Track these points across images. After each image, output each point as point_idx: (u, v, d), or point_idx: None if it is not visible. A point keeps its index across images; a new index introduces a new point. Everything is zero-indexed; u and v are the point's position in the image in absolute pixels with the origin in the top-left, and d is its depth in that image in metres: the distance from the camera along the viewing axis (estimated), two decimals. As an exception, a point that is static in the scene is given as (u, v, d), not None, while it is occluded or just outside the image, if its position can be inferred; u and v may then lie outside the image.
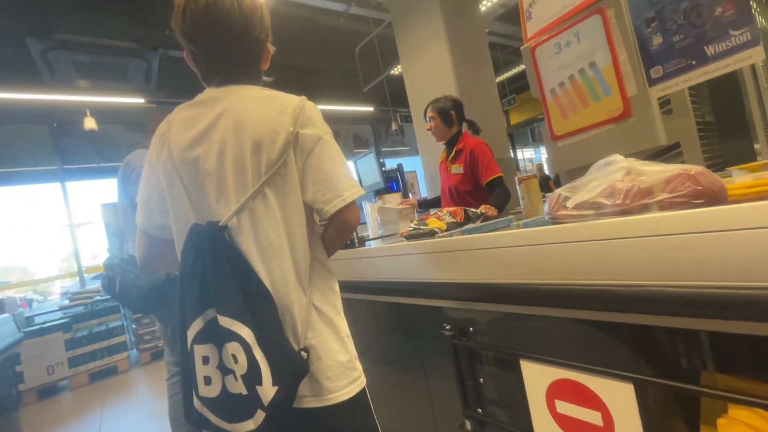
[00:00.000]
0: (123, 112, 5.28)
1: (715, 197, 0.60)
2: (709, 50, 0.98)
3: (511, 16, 5.77)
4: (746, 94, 1.32)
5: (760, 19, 1.12)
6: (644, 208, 0.67)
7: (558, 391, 0.77)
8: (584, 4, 1.16)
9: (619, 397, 0.67)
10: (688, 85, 1.04)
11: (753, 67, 1.38)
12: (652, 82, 1.09)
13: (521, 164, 10.56)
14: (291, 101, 0.82)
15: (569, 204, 0.74)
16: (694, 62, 1.01)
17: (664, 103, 1.16)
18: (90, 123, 4.40)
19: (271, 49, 0.91)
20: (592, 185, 0.73)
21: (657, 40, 1.07)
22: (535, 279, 0.77)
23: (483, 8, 4.53)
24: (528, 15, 1.33)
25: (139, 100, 4.51)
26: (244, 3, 0.81)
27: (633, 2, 1.09)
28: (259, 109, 0.79)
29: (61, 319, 4.17)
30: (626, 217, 0.63)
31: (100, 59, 3.65)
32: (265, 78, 0.93)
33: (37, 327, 3.91)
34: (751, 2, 0.91)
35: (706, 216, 0.53)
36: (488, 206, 1.67)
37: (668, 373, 0.64)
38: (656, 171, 0.69)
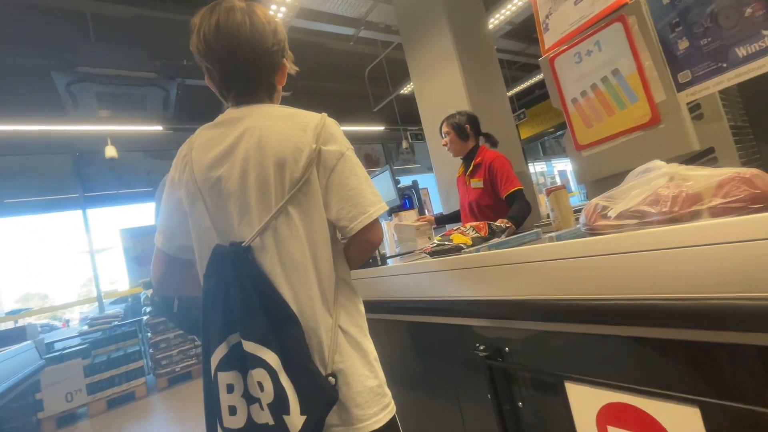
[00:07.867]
0: (142, 140, 5.45)
1: (775, 201, 0.56)
2: (741, 52, 0.95)
3: (518, 32, 5.83)
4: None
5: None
6: (694, 215, 0.62)
7: (611, 416, 0.71)
8: (604, 13, 1.15)
9: (684, 423, 0.61)
10: (720, 88, 1.00)
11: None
12: (681, 87, 1.05)
13: (534, 177, 10.47)
14: (312, 118, 0.81)
15: (611, 213, 0.69)
16: (724, 65, 0.98)
17: (694, 108, 1.12)
18: (110, 151, 4.56)
19: (288, 65, 0.91)
20: (634, 193, 0.69)
21: (683, 44, 1.04)
22: (576, 294, 0.72)
23: (491, 26, 4.59)
24: (545, 26, 1.32)
25: (158, 128, 4.65)
26: (256, 17, 0.81)
27: (655, 8, 1.07)
28: (281, 126, 0.78)
29: (80, 345, 4.19)
30: (680, 225, 0.58)
31: (121, 89, 3.80)
32: (282, 93, 0.93)
33: (58, 353, 3.93)
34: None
35: (776, 220, 0.49)
36: (505, 220, 1.61)
37: (737, 395, 0.58)
38: (703, 176, 0.64)
